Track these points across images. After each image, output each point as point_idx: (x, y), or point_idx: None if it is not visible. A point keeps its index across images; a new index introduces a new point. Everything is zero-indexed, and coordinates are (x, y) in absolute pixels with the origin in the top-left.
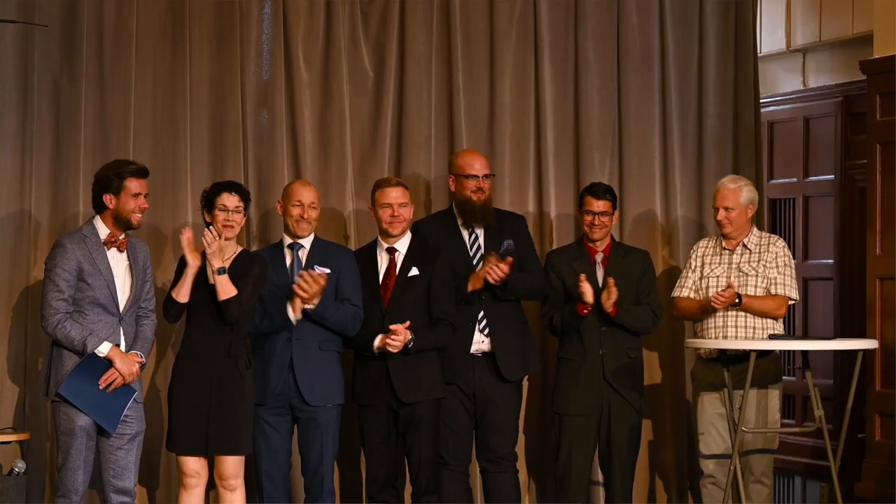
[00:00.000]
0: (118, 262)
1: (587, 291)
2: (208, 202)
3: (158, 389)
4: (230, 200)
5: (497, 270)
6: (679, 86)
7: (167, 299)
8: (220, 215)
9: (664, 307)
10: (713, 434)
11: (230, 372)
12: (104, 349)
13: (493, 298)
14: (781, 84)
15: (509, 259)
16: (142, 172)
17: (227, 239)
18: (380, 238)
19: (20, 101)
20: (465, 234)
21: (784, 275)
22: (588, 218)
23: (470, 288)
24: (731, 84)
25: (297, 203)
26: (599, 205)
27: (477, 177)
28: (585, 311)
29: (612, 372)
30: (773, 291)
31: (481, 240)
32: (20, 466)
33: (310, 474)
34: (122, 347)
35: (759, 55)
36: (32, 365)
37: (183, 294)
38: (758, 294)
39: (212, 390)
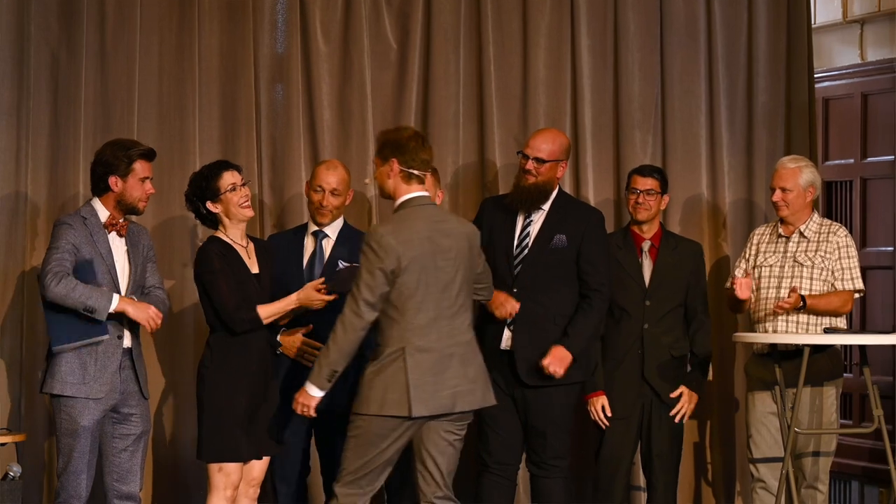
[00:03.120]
0: (117, 248)
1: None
2: (210, 192)
3: (169, 391)
4: (236, 177)
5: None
6: (727, 59)
7: (253, 314)
8: (234, 197)
9: (715, 298)
10: (764, 435)
11: (274, 368)
12: (114, 304)
13: (526, 289)
14: (837, 57)
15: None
16: (150, 154)
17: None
18: None
19: (16, 76)
20: (521, 217)
21: (849, 268)
22: (633, 197)
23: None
24: (782, 57)
25: (318, 188)
26: (645, 182)
27: (527, 157)
28: None
29: (652, 372)
30: (839, 287)
31: (535, 227)
32: (15, 470)
33: (330, 476)
34: (126, 336)
35: (813, 26)
36: (29, 361)
37: (269, 319)
38: (814, 288)
39: (267, 389)
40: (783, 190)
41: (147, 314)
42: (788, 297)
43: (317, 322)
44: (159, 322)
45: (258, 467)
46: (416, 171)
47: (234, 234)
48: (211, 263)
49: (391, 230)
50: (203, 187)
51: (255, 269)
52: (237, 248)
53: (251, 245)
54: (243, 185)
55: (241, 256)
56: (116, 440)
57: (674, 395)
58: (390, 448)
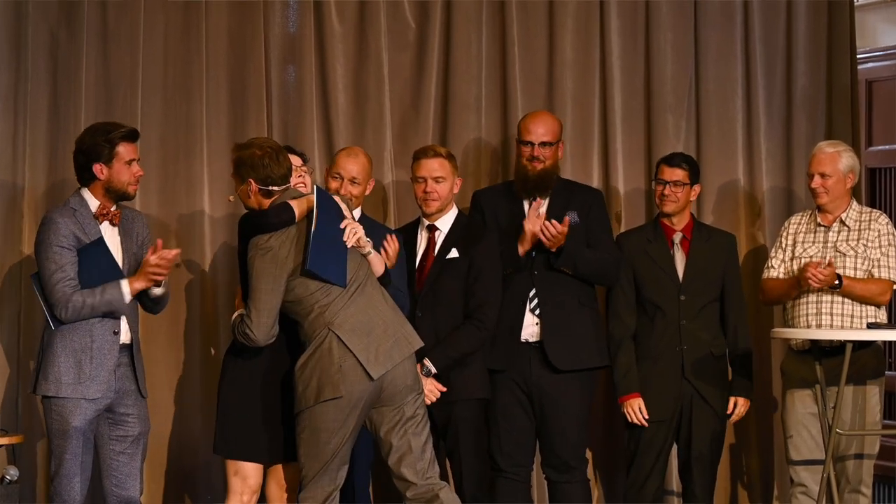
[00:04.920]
0: (110, 238)
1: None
2: None
3: (178, 387)
4: (296, 161)
5: (550, 227)
6: (764, 39)
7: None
8: (293, 176)
9: (752, 291)
10: (804, 437)
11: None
12: (126, 292)
13: (548, 269)
14: (881, 37)
15: (566, 219)
16: (133, 135)
17: None
18: (421, 215)
19: (12, 57)
20: (525, 204)
21: (889, 256)
22: (659, 188)
23: (521, 250)
24: (823, 38)
25: (336, 175)
26: (673, 173)
27: (531, 144)
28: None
29: (692, 370)
30: (875, 274)
31: (543, 209)
32: (12, 474)
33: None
34: (124, 331)
35: (855, 4)
36: (26, 358)
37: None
38: (857, 277)
39: (285, 388)
40: (822, 176)
41: (153, 272)
42: (824, 268)
43: None
44: (169, 260)
45: (291, 470)
46: (275, 189)
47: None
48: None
49: (272, 239)
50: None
51: None
52: None
53: None
54: (300, 168)
55: None
56: (113, 442)
57: (728, 412)
58: (338, 436)
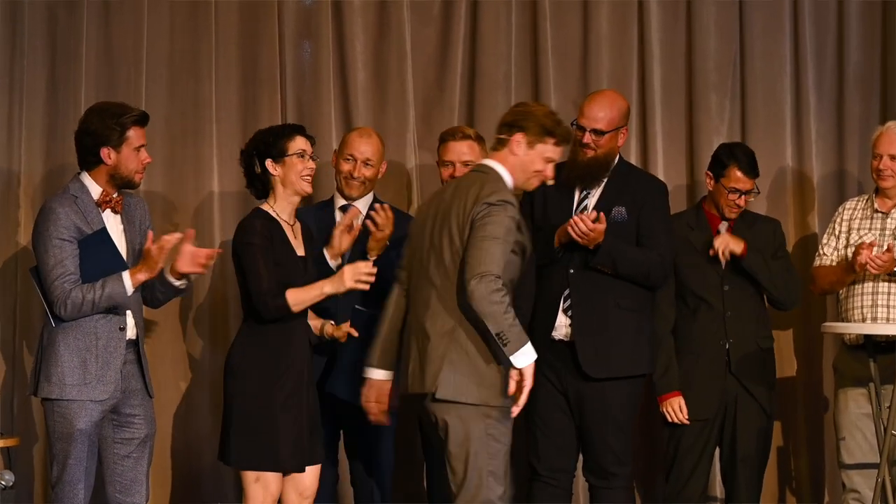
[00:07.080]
0: (113, 227)
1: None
2: (276, 151)
3: (187, 388)
4: (308, 145)
5: (580, 223)
6: (815, 14)
7: (281, 301)
8: (299, 163)
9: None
10: (858, 439)
11: (313, 363)
12: (129, 285)
13: (585, 267)
14: None
15: (601, 216)
16: (144, 119)
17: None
18: None
19: (8, 33)
20: (577, 190)
21: None
22: (732, 197)
23: (556, 241)
24: (878, 12)
25: (349, 157)
26: (749, 183)
27: (583, 129)
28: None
29: (738, 364)
30: None
31: (593, 200)
32: (7, 479)
33: (359, 486)
34: (130, 327)
35: None
36: (21, 355)
37: (299, 307)
38: None
39: (308, 387)
40: (892, 157)
41: (159, 262)
42: (883, 253)
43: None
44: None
45: (310, 476)
46: None
47: (283, 210)
48: (252, 236)
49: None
50: (269, 143)
51: (300, 252)
52: (283, 225)
53: (298, 225)
54: (312, 158)
55: (287, 235)
56: (118, 445)
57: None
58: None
